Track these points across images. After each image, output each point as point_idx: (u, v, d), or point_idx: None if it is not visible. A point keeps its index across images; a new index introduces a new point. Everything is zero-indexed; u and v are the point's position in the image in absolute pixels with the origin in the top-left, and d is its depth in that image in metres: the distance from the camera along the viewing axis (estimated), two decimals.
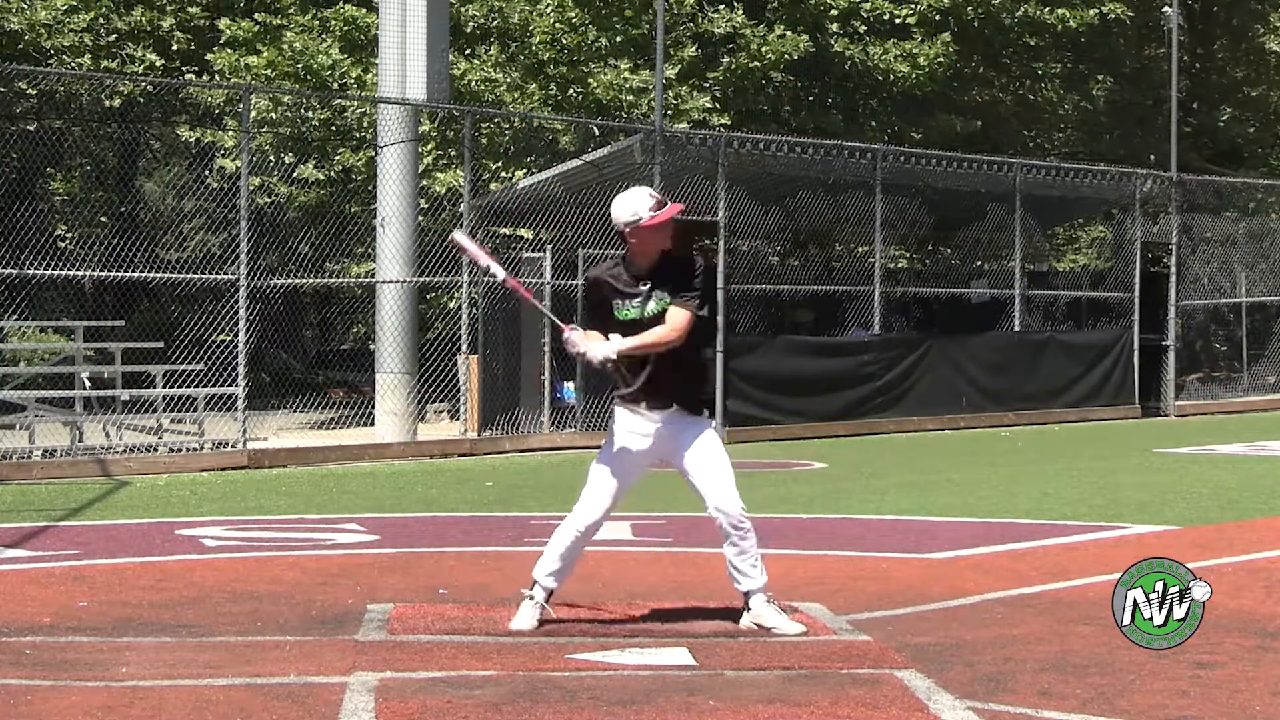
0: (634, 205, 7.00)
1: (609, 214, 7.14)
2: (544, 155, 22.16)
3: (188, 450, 15.73)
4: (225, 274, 16.10)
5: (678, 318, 6.99)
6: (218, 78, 22.69)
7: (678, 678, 6.17)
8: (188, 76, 23.65)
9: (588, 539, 7.16)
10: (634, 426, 7.11)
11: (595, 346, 7.00)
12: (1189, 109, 32.10)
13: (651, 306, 7.03)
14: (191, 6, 24.78)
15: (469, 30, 22.96)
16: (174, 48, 24.49)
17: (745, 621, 7.11)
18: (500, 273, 7.36)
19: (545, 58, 22.45)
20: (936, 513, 11.77)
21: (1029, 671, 6.29)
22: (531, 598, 7.11)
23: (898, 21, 25.16)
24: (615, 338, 7.01)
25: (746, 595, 7.10)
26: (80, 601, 7.77)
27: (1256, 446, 18.09)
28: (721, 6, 24.00)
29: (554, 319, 7.67)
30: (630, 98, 22.15)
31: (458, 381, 17.89)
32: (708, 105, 22.52)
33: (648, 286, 7.05)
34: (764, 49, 23.46)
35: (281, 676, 6.10)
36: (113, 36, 23.73)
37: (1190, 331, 26.87)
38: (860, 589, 8.24)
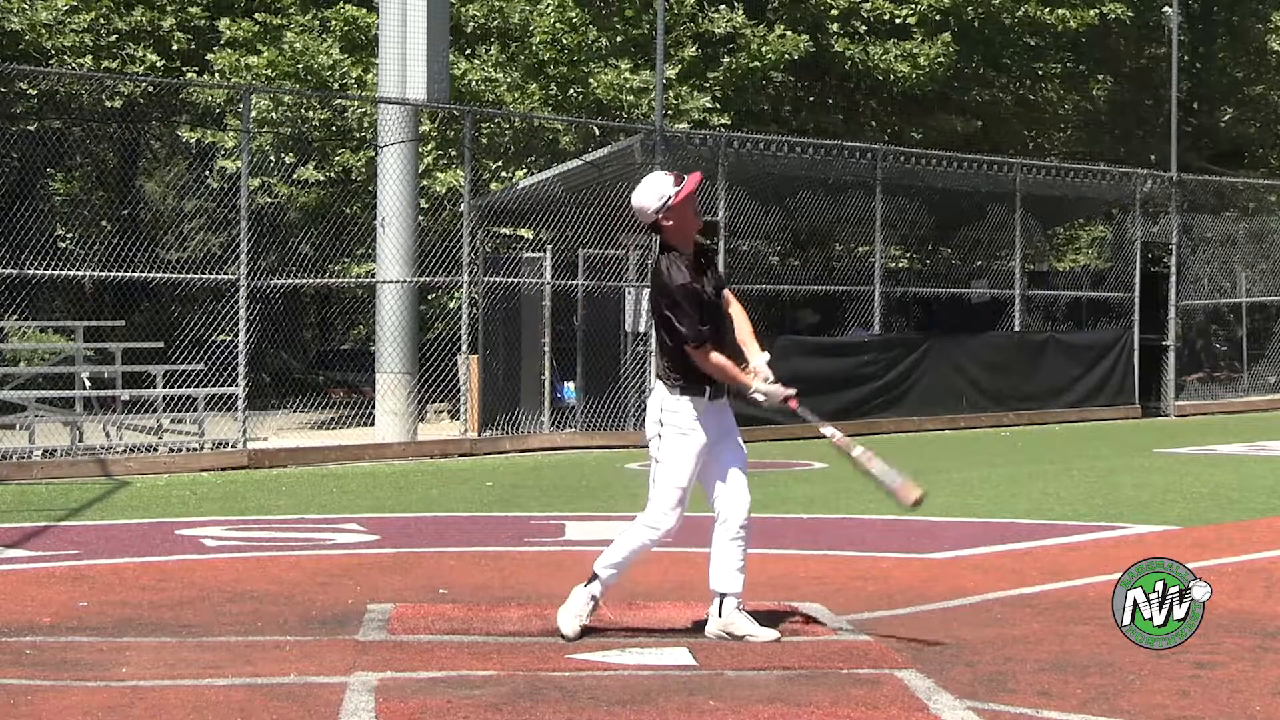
0: (658, 188, 6.85)
1: (620, 211, 7.16)
2: (544, 155, 22.16)
3: (188, 450, 15.72)
4: (225, 274, 16.10)
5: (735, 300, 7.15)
6: (218, 78, 22.69)
7: (678, 678, 6.17)
8: (188, 76, 23.65)
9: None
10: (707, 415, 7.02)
11: (773, 390, 6.94)
12: (1189, 109, 32.06)
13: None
14: (191, 6, 24.75)
15: (469, 30, 22.95)
16: (174, 48, 24.47)
17: (712, 629, 6.82)
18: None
19: (545, 58, 22.44)
20: (936, 513, 11.75)
21: (1029, 671, 6.29)
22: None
23: (898, 21, 25.15)
24: (763, 365, 7.02)
25: (722, 596, 6.81)
26: (80, 601, 7.77)
27: (1256, 446, 18.08)
28: (721, 6, 23.99)
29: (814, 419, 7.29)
30: (630, 98, 22.13)
31: (458, 381, 17.89)
32: (708, 105, 22.51)
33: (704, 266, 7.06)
34: (764, 49, 23.45)
35: (281, 676, 6.10)
36: (113, 37, 23.71)
37: (1190, 331, 26.85)
38: (860, 589, 8.24)
